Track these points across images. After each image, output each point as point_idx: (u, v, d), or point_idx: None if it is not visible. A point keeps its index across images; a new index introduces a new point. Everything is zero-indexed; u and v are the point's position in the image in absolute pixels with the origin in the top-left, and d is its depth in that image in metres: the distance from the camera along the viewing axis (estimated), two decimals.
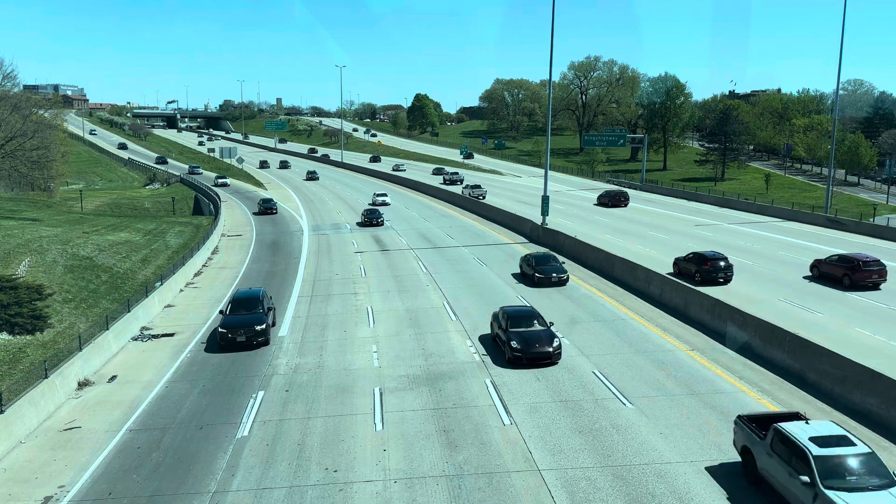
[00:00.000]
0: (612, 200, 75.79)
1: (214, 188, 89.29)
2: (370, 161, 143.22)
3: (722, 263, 37.83)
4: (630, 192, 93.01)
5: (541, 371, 24.53)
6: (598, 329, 29.51)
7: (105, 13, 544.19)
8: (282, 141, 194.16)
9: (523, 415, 20.97)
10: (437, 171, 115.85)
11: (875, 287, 36.67)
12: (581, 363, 25.30)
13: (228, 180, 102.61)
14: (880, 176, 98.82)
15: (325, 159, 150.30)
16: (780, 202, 78.39)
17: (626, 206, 75.08)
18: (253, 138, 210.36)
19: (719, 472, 17.38)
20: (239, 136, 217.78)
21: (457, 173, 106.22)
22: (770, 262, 44.06)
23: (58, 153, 69.06)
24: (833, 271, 38.30)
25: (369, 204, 75.95)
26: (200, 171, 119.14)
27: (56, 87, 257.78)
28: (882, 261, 38.12)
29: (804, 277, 39.79)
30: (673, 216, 67.98)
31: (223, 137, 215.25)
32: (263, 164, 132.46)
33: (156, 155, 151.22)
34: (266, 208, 71.65)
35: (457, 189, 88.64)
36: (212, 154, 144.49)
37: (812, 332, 26.50)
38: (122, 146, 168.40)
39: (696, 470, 17.51)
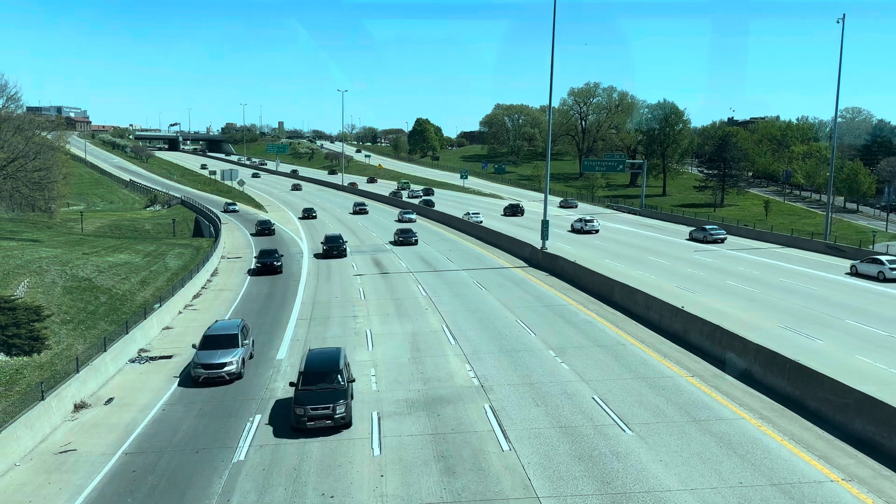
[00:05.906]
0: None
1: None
2: (367, 182, 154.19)
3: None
4: (629, 216, 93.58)
5: (540, 396, 24.39)
6: (597, 354, 29.40)
7: (110, 35, 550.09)
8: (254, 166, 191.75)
9: (522, 441, 20.82)
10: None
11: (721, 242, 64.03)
12: (580, 389, 25.16)
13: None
14: (879, 203, 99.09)
15: (321, 182, 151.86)
16: (779, 228, 78.54)
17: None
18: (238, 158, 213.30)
19: (719, 500, 17.21)
20: (242, 160, 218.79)
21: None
22: (768, 287, 44.00)
23: (59, 174, 69.21)
24: (696, 236, 67.96)
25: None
26: (237, 208, 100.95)
27: (59, 109, 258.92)
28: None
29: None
30: (672, 241, 68.07)
31: (224, 160, 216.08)
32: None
33: (165, 180, 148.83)
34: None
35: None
36: (213, 176, 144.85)
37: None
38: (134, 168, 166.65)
39: (697, 498, 17.34)
